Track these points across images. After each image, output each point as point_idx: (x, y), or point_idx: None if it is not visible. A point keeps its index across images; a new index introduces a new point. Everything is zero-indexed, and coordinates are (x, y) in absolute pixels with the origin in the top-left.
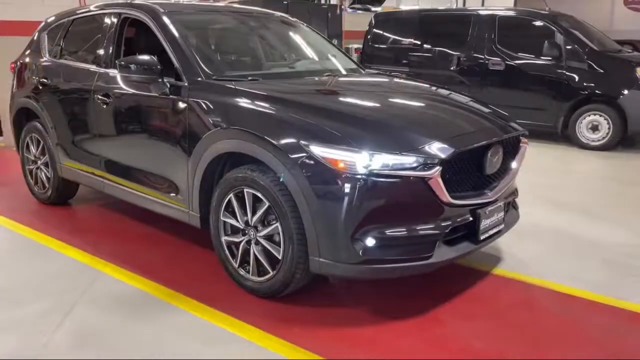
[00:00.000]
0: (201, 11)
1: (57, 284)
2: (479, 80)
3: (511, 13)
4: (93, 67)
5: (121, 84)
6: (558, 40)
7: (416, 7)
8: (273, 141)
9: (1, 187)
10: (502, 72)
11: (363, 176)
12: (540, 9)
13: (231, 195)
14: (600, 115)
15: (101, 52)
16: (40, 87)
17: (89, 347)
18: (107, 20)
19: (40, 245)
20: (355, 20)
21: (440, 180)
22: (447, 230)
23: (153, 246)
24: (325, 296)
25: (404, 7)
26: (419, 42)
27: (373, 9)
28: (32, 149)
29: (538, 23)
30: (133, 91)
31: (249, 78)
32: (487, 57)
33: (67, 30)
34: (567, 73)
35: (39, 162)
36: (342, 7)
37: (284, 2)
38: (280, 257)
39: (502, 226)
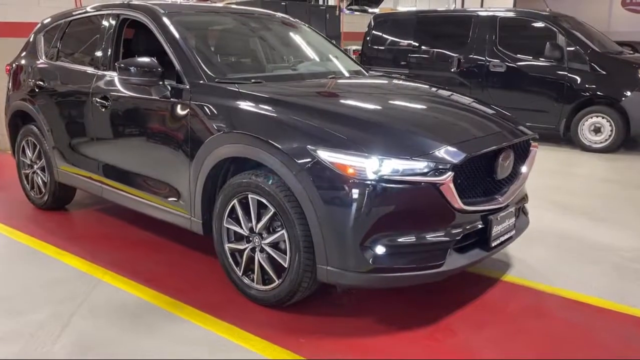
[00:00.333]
0: (201, 12)
1: (55, 292)
2: (479, 82)
3: (512, 14)
4: (91, 70)
5: (120, 87)
6: (560, 42)
7: (413, 9)
8: (279, 146)
9: None
10: (503, 74)
11: (373, 182)
12: (541, 10)
13: (235, 201)
14: (603, 117)
15: (99, 54)
16: (37, 90)
17: None
18: (105, 22)
19: (37, 251)
20: (354, 22)
21: (452, 186)
22: (458, 238)
23: (153, 253)
24: (331, 305)
25: (401, 8)
26: (418, 44)
27: (370, 10)
28: (28, 152)
29: (539, 24)
30: (133, 94)
31: (252, 80)
32: (488, 58)
33: (64, 31)
34: (569, 75)
35: (35, 166)
36: (340, 8)
37: (282, 3)
38: (286, 266)
39: (513, 232)
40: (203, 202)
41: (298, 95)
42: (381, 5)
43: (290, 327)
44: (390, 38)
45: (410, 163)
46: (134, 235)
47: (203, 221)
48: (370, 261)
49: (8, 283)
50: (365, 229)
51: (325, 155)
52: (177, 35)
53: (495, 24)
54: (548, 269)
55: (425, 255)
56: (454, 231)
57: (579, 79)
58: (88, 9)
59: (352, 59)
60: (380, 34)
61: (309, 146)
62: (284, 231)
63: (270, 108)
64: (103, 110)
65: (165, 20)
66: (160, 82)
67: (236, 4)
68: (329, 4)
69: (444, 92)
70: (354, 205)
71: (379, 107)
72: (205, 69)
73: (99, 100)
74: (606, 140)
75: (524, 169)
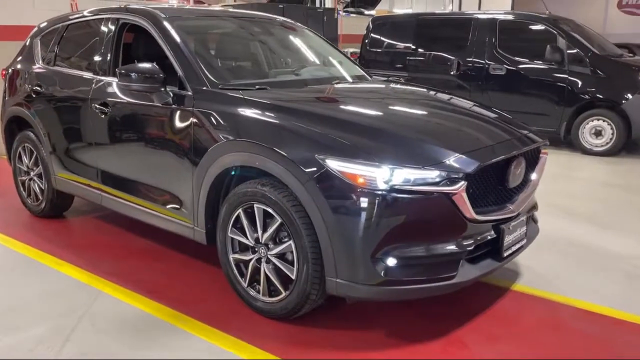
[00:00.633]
0: (202, 16)
1: (55, 305)
2: (479, 85)
3: (512, 17)
4: (90, 75)
5: (121, 93)
6: (560, 45)
7: (409, 11)
8: (286, 154)
9: None
10: (503, 77)
11: (384, 192)
12: (540, 13)
13: (240, 210)
14: (604, 121)
15: (98, 59)
16: (34, 96)
17: None
18: (105, 26)
19: (35, 261)
20: (352, 24)
21: (465, 195)
22: (471, 248)
23: (154, 263)
24: (339, 317)
25: (397, 11)
26: (417, 47)
27: (366, 12)
28: (25, 159)
29: (539, 27)
30: (133, 100)
31: (257, 87)
32: (487, 61)
33: (62, 36)
34: (569, 78)
35: (32, 173)
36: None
37: (280, 6)
38: (293, 277)
39: (524, 241)
40: (207, 211)
41: (305, 102)
42: (377, 7)
43: (297, 341)
44: (389, 41)
45: (422, 172)
46: (133, 244)
47: (206, 230)
48: (382, 273)
49: (4, 295)
50: (377, 240)
51: (335, 164)
52: (179, 40)
53: (495, 26)
54: (558, 277)
55: (438, 267)
56: (466, 242)
57: (579, 82)
58: (86, 13)
59: (355, 64)
60: (379, 36)
61: (317, 155)
62: (291, 242)
63: (276, 115)
64: (103, 116)
65: (167, 25)
66: (162, 89)
67: (233, 7)
68: (326, 6)
69: (452, 99)
70: (365, 216)
71: (388, 115)
72: (209, 75)
73: (98, 106)
74: (607, 143)
75: (534, 176)
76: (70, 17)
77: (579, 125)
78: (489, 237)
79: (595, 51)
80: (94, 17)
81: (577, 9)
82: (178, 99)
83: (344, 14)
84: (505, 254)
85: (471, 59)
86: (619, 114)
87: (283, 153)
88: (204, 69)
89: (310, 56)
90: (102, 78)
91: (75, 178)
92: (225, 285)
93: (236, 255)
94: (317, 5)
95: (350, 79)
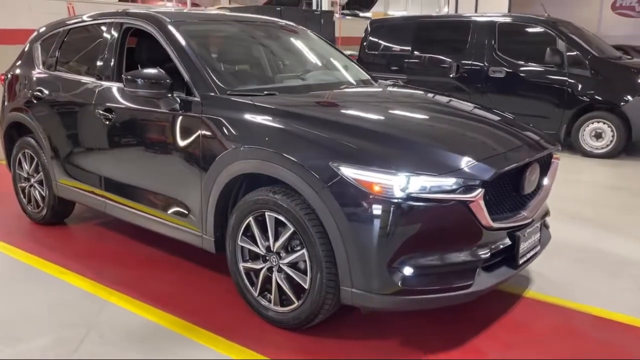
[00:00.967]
0: (205, 20)
1: (61, 316)
2: (478, 88)
3: (512, 19)
4: (93, 80)
5: (126, 99)
6: (560, 47)
7: (405, 13)
8: (299, 162)
9: None
10: (502, 79)
11: (400, 200)
12: (539, 15)
13: (250, 218)
14: (604, 123)
15: (102, 64)
16: (35, 101)
17: None
18: (107, 31)
19: (38, 270)
20: (349, 27)
21: (482, 203)
22: (487, 256)
23: (160, 271)
24: (353, 326)
25: (391, 13)
26: (416, 49)
27: (361, 14)
28: (25, 165)
29: (539, 29)
30: (139, 106)
31: (265, 92)
32: (487, 64)
33: (63, 40)
34: (569, 80)
35: (33, 179)
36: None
37: (277, 9)
38: (306, 287)
39: (538, 248)
40: (216, 219)
41: (316, 108)
42: (372, 10)
43: (310, 351)
44: (388, 43)
45: (439, 180)
46: (137, 251)
47: (215, 239)
48: (399, 283)
49: (8, 306)
50: (393, 249)
51: (349, 172)
52: (185, 45)
53: (494, 29)
54: (569, 284)
55: (454, 276)
56: (482, 250)
57: (579, 85)
58: (87, 17)
59: (360, 68)
60: (377, 39)
61: (331, 162)
62: (304, 250)
63: (288, 122)
64: (107, 122)
65: (172, 29)
66: (169, 94)
67: (230, 10)
68: (323, 9)
69: (463, 104)
70: (382, 225)
71: (401, 121)
72: (217, 81)
73: (102, 112)
74: (607, 145)
75: (546, 181)
76: (72, 22)
77: (579, 128)
78: (505, 245)
79: (595, 54)
80: (96, 22)
81: (571, 11)
82: (185, 104)
83: (338, 16)
84: (521, 261)
85: (470, 62)
86: (619, 116)
87: (296, 160)
88: (211, 74)
89: (316, 60)
90: (106, 83)
91: (77, 185)
92: (234, 294)
93: (246, 264)
94: (314, 7)
95: (357, 84)
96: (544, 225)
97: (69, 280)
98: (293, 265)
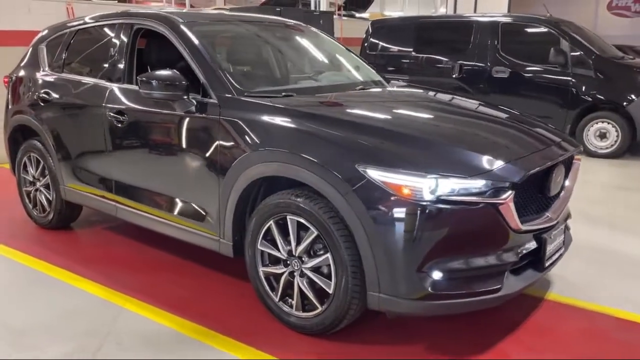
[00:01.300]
0: (216, 21)
1: (76, 323)
2: (481, 88)
3: (515, 19)
4: (103, 82)
5: (139, 101)
6: (563, 47)
7: (401, 13)
8: (324, 165)
9: None
10: (506, 80)
11: (430, 203)
12: (541, 15)
13: (271, 222)
14: (608, 123)
15: (112, 65)
16: (41, 103)
17: None
18: (117, 32)
19: (49, 277)
20: (348, 27)
21: (512, 205)
22: (515, 259)
23: (173, 276)
24: (377, 330)
25: (388, 13)
26: (418, 50)
27: (358, 15)
28: (31, 169)
29: (542, 29)
30: (153, 109)
31: (283, 94)
32: (490, 64)
33: (70, 42)
34: (573, 80)
35: (39, 183)
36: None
37: (277, 9)
38: (330, 292)
39: (562, 250)
40: (234, 222)
41: (337, 110)
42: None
43: (333, 356)
44: (389, 44)
45: (469, 182)
46: (149, 256)
47: (234, 243)
48: (429, 288)
49: (21, 314)
50: (423, 253)
51: (376, 174)
52: (200, 46)
53: (497, 29)
54: (590, 285)
55: (483, 280)
56: (511, 253)
57: (583, 85)
58: (92, 18)
59: (372, 68)
60: (379, 39)
61: (357, 165)
62: (328, 255)
63: (311, 124)
64: (119, 125)
65: (186, 30)
66: (185, 97)
67: (229, 10)
68: (322, 9)
69: (484, 105)
70: (411, 229)
71: (424, 122)
72: (233, 82)
73: (113, 115)
74: (612, 145)
75: (568, 183)
76: (79, 23)
77: (584, 128)
78: (531, 247)
79: (599, 54)
80: (105, 23)
81: (567, 11)
82: (201, 107)
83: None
84: (547, 264)
85: (473, 62)
86: (623, 116)
87: (320, 163)
88: (228, 75)
89: (328, 61)
90: (117, 85)
91: (87, 189)
92: (250, 298)
93: (266, 269)
94: (312, 8)
95: (371, 85)
96: (566, 227)
97: (80, 287)
98: (316, 269)
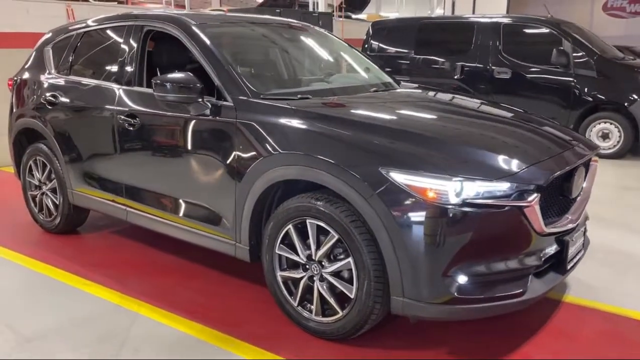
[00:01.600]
0: (226, 23)
1: (92, 330)
2: (483, 89)
3: (516, 20)
4: (113, 85)
5: (151, 104)
6: (566, 48)
7: (397, 14)
8: (346, 167)
9: None
10: (508, 80)
11: (455, 206)
12: (541, 16)
13: (290, 226)
14: (611, 123)
15: (122, 67)
16: (49, 107)
17: None
18: (127, 34)
19: (60, 283)
20: (347, 28)
21: (537, 208)
22: (539, 263)
23: (187, 280)
24: (396, 335)
25: (384, 14)
26: (419, 51)
27: (354, 16)
28: (37, 173)
29: (544, 30)
30: (166, 112)
31: (299, 96)
32: (492, 65)
33: (77, 44)
34: (575, 81)
35: (45, 187)
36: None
37: (277, 11)
38: (352, 296)
39: (582, 252)
40: (251, 227)
41: (356, 112)
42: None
43: None
44: (390, 45)
45: (495, 185)
46: (157, 260)
47: (250, 247)
48: (455, 292)
49: (34, 321)
50: (448, 257)
51: (400, 177)
52: (214, 48)
53: (498, 30)
54: (605, 287)
55: (508, 284)
56: (535, 256)
57: (585, 85)
58: (93, 21)
59: (383, 70)
60: (380, 41)
61: (380, 168)
62: (349, 259)
63: (330, 126)
64: (130, 129)
65: (198, 31)
66: (200, 99)
67: (227, 11)
68: (320, 10)
69: (502, 106)
70: (436, 232)
71: (444, 124)
72: (249, 85)
73: (124, 118)
74: (615, 146)
75: (586, 184)
76: (87, 25)
77: (586, 128)
78: (554, 250)
79: (601, 54)
80: (114, 25)
81: (562, 11)
82: (216, 109)
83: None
84: (569, 266)
85: (475, 63)
86: (625, 116)
87: (342, 166)
88: (243, 77)
89: (340, 62)
90: (128, 88)
91: (96, 193)
92: (265, 302)
93: (284, 273)
94: (310, 9)
95: (384, 86)
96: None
97: (93, 292)
98: (336, 274)
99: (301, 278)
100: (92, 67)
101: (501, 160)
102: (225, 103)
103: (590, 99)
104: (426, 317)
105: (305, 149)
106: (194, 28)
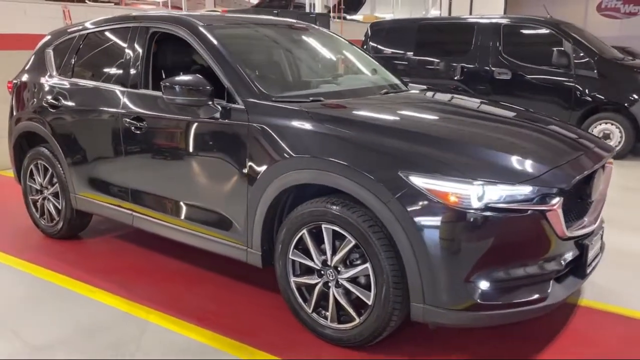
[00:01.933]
0: (233, 24)
1: (102, 338)
2: (484, 90)
3: (516, 21)
4: (118, 87)
5: (159, 107)
6: (566, 48)
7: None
8: (364, 172)
9: None
10: (508, 81)
11: (477, 211)
12: (540, 16)
13: (304, 231)
14: (612, 124)
15: (128, 70)
16: (51, 110)
17: None
18: (132, 35)
19: (64, 289)
20: (345, 29)
21: (560, 212)
22: (561, 267)
23: (195, 286)
24: (413, 342)
25: (379, 15)
26: (419, 52)
27: (349, 17)
28: (38, 177)
29: (544, 31)
30: (175, 115)
31: (311, 99)
32: (492, 66)
33: (80, 46)
34: (576, 81)
35: (47, 192)
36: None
37: (274, 12)
38: (370, 302)
39: (600, 255)
40: (263, 232)
41: (372, 115)
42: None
43: None
44: (389, 46)
45: (517, 188)
46: (163, 265)
47: (262, 252)
48: (477, 298)
49: (40, 329)
50: (470, 263)
51: (420, 181)
52: (223, 50)
53: (498, 31)
54: (622, 290)
55: (529, 289)
56: (556, 261)
57: (586, 86)
58: (97, 22)
59: (390, 71)
60: (378, 42)
61: (400, 172)
62: (367, 264)
63: (346, 130)
64: (137, 132)
65: (207, 33)
66: (210, 102)
67: (227, 12)
68: (317, 11)
69: (516, 108)
70: (458, 237)
71: (461, 127)
72: (260, 87)
73: (130, 121)
74: (616, 146)
75: (602, 187)
76: (89, 26)
77: (587, 129)
78: (574, 254)
79: (601, 55)
80: (118, 26)
81: (557, 12)
82: (227, 112)
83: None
84: (588, 270)
85: (475, 64)
86: (626, 117)
87: (359, 170)
88: (254, 80)
89: (354, 65)
90: (134, 90)
91: (100, 197)
92: (277, 309)
93: (298, 279)
94: (307, 10)
95: (394, 88)
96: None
97: (100, 299)
98: (352, 279)
99: (316, 284)
100: (96, 70)
101: (523, 164)
102: (236, 106)
103: (591, 99)
104: (447, 324)
105: (321, 152)
106: (201, 29)
